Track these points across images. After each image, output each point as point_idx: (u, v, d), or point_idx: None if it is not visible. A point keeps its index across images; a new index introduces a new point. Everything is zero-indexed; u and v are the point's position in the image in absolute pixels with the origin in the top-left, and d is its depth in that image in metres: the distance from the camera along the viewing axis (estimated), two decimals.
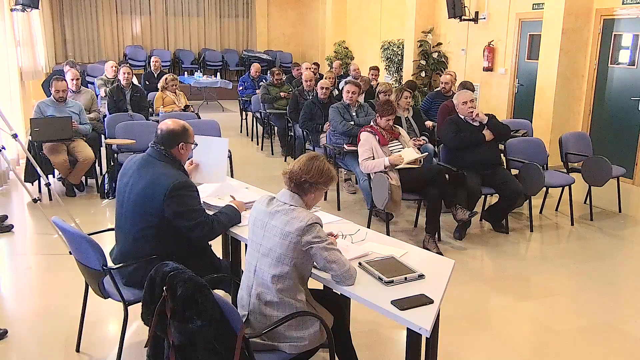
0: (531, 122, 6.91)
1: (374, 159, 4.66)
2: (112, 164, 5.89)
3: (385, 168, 4.56)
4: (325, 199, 5.90)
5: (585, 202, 5.77)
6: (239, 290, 2.46)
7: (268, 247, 2.30)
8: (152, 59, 9.39)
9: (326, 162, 2.43)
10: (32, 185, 5.68)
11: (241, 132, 9.82)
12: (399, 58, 10.71)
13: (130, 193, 2.71)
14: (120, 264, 2.75)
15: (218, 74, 13.54)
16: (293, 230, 2.23)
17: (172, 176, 2.66)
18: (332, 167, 2.46)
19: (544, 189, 5.30)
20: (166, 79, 7.34)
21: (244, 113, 9.83)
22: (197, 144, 2.99)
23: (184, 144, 2.79)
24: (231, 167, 5.78)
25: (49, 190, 5.23)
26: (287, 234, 2.24)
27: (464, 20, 9.08)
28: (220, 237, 3.09)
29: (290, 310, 2.27)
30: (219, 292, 2.63)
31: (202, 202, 2.84)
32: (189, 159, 3.17)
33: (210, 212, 2.87)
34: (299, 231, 2.22)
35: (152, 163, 2.72)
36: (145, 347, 2.20)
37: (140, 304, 2.23)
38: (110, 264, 2.69)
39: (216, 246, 3.26)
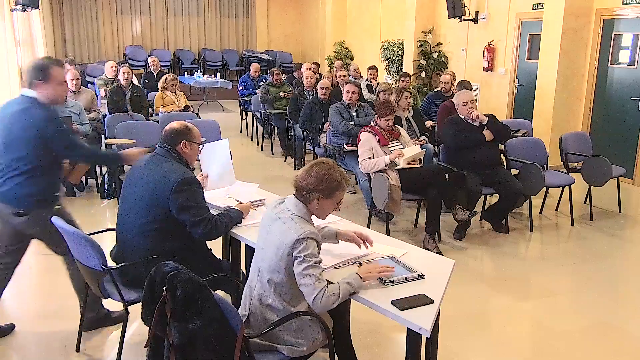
0: (531, 122, 6.91)
1: (374, 159, 4.66)
2: None
3: (385, 165, 4.56)
4: None
5: (585, 202, 5.77)
6: (244, 289, 2.45)
7: (267, 253, 2.30)
8: (150, 59, 9.36)
9: (330, 169, 2.29)
10: None
11: (241, 132, 9.82)
12: (399, 58, 10.70)
13: (138, 187, 2.76)
14: (120, 264, 2.76)
15: (218, 74, 13.54)
16: (287, 241, 2.20)
17: (180, 171, 2.73)
18: (339, 174, 2.30)
19: (544, 189, 5.30)
20: (166, 79, 7.34)
21: (244, 113, 9.83)
22: (203, 145, 3.03)
23: (186, 142, 2.85)
24: None
25: None
26: (280, 245, 2.22)
27: (464, 20, 9.08)
28: (220, 237, 3.09)
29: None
30: (219, 292, 2.64)
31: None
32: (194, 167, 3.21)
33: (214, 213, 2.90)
34: (291, 243, 2.19)
35: (160, 160, 2.80)
36: (145, 347, 2.19)
37: (140, 304, 2.23)
38: (110, 263, 2.69)
39: (216, 246, 3.27)
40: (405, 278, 2.36)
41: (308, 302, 2.20)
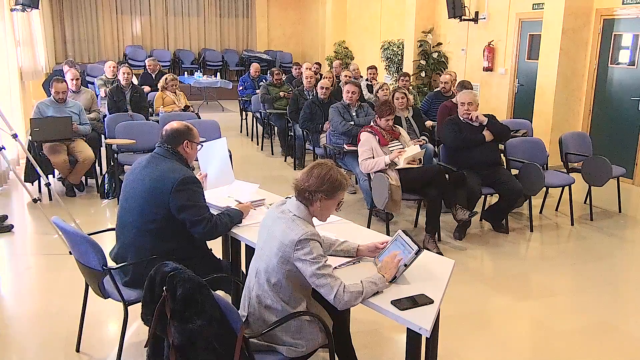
0: (531, 122, 6.90)
1: (374, 159, 4.66)
2: (112, 164, 5.89)
3: (385, 165, 4.56)
4: None
5: (585, 202, 5.77)
6: (243, 290, 2.45)
7: (266, 253, 2.29)
8: (147, 61, 9.21)
9: (331, 170, 2.29)
10: (32, 185, 5.68)
11: (241, 132, 9.82)
12: (399, 58, 10.71)
13: (138, 187, 2.76)
14: (120, 264, 2.76)
15: (218, 74, 13.54)
16: (287, 242, 2.19)
17: (181, 171, 2.74)
18: (340, 174, 2.31)
19: (544, 189, 5.30)
20: (166, 79, 7.34)
21: (244, 113, 9.83)
22: (202, 145, 3.03)
23: (188, 142, 2.86)
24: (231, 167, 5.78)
25: (49, 190, 5.23)
26: (280, 245, 2.21)
27: (464, 20, 9.08)
28: (220, 237, 3.09)
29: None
30: (219, 292, 2.64)
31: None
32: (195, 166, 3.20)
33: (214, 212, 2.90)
34: (291, 244, 2.18)
35: (160, 160, 2.80)
36: (145, 347, 2.20)
37: (140, 304, 2.23)
38: (110, 263, 2.69)
39: (216, 246, 3.27)
40: (405, 265, 2.35)
41: (329, 300, 2.18)
